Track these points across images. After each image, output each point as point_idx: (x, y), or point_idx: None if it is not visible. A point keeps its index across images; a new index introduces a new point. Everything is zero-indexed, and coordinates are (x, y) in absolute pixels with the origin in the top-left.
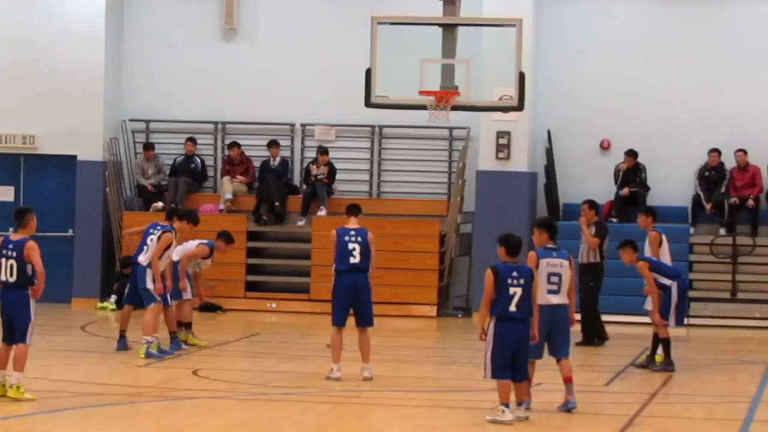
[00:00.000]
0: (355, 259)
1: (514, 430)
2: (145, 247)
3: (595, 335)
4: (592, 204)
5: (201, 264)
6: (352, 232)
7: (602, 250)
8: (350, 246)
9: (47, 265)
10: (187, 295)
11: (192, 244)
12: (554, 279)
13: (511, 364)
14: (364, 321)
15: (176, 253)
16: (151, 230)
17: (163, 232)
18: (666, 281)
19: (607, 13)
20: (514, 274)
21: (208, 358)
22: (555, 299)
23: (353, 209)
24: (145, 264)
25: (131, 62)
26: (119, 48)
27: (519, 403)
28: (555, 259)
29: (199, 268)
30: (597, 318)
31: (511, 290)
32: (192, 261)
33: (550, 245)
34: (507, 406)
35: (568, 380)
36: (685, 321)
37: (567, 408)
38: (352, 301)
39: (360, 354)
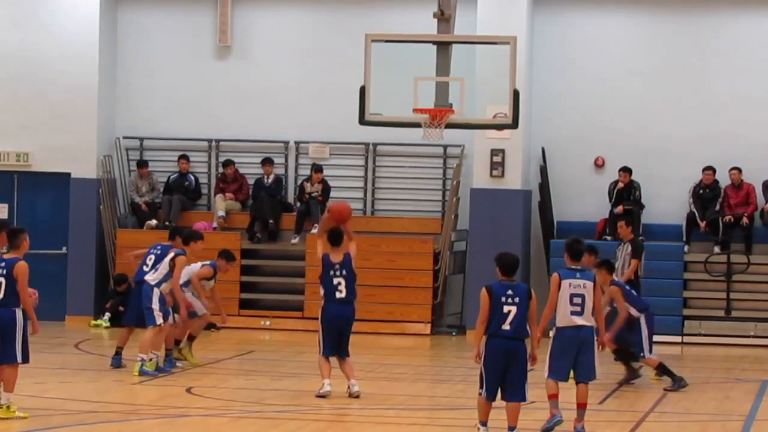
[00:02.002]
0: (341, 294)
1: None
2: (145, 267)
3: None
4: (628, 221)
5: (204, 285)
6: (337, 266)
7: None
8: (335, 281)
9: (41, 283)
10: (202, 310)
11: (195, 266)
12: (577, 300)
13: (501, 384)
14: (346, 351)
15: (183, 275)
16: (152, 250)
17: (177, 255)
18: (634, 312)
19: (601, 31)
20: (509, 292)
21: (202, 376)
22: (579, 320)
23: (336, 240)
24: (153, 283)
25: (125, 80)
26: (113, 65)
27: (510, 428)
28: (578, 280)
29: (203, 289)
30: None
31: (506, 308)
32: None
33: (574, 266)
34: (484, 424)
35: (581, 406)
36: (680, 339)
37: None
38: (338, 332)
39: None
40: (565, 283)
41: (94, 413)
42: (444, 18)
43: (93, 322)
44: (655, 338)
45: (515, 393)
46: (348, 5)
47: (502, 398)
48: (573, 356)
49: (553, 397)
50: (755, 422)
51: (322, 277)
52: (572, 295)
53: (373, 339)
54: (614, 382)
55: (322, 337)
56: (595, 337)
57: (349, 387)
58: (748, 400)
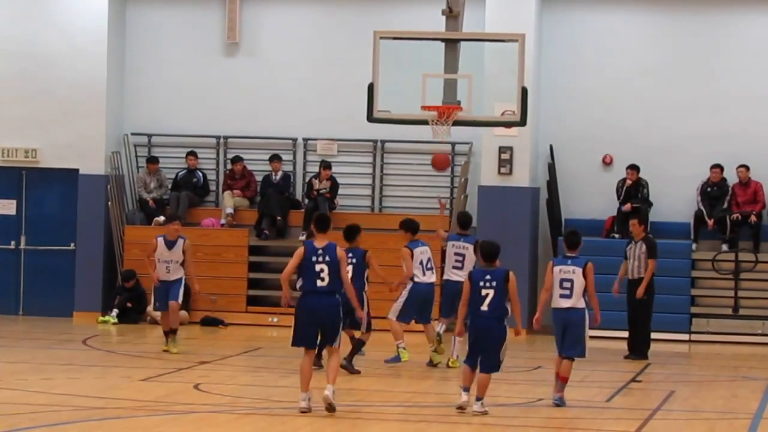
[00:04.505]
0: (322, 282)
1: None
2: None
3: (645, 349)
4: (641, 220)
5: (160, 258)
6: (320, 251)
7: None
8: (317, 267)
9: (49, 279)
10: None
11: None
12: (566, 284)
13: (479, 357)
14: (331, 341)
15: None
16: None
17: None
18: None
19: (609, 28)
20: (487, 277)
21: (209, 373)
22: (566, 303)
23: (322, 224)
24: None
25: (133, 76)
26: (121, 62)
27: (477, 398)
28: (568, 266)
29: (163, 264)
30: (647, 334)
31: (484, 292)
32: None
33: (569, 254)
34: (466, 390)
35: (561, 379)
36: (688, 337)
37: (555, 403)
38: (319, 326)
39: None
40: (557, 269)
41: (101, 409)
42: (452, 15)
43: (101, 318)
44: (664, 336)
45: (486, 366)
46: (356, 2)
47: (479, 370)
48: (561, 334)
49: (559, 378)
50: (763, 420)
51: (302, 264)
52: (562, 280)
53: (380, 336)
54: (621, 380)
55: (295, 329)
56: (587, 318)
57: (325, 389)
58: (755, 399)
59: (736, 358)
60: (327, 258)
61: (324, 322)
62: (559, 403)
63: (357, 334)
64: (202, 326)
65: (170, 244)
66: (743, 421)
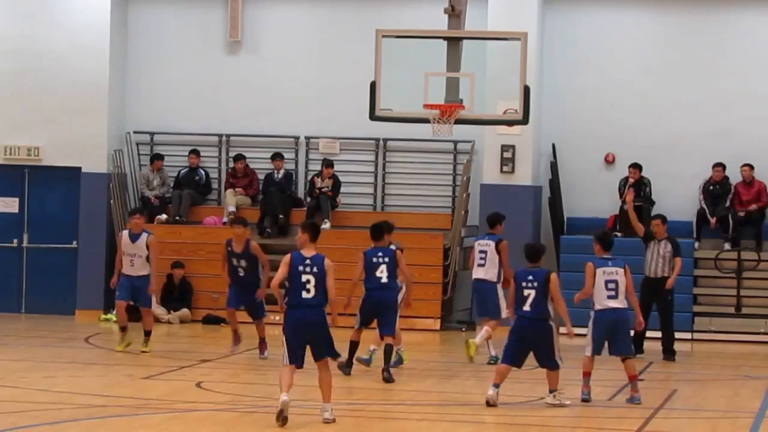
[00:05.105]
0: (308, 294)
1: None
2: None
3: (671, 349)
4: (664, 220)
5: (125, 251)
6: (308, 261)
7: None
8: (304, 278)
9: (51, 277)
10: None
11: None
12: (612, 285)
13: (522, 356)
14: (322, 353)
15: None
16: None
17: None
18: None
19: (612, 27)
20: (530, 277)
21: (211, 371)
22: (614, 303)
23: (313, 231)
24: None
25: (136, 74)
26: (124, 60)
27: (551, 390)
28: (610, 267)
29: (128, 257)
30: (672, 333)
31: (526, 292)
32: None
33: (605, 255)
34: (496, 386)
35: (632, 378)
36: (690, 336)
37: (632, 401)
38: (306, 338)
39: (320, 392)
40: (599, 271)
41: (103, 407)
42: (455, 14)
43: (103, 316)
44: None
45: (547, 363)
46: (358, 1)
47: (541, 366)
48: (606, 334)
49: (586, 375)
50: (765, 419)
51: (289, 274)
52: (607, 281)
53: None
54: (623, 379)
55: (286, 346)
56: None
57: (322, 410)
58: (758, 397)
59: (738, 356)
60: (314, 269)
61: (311, 335)
62: (637, 399)
63: (389, 340)
64: (204, 325)
65: (134, 238)
66: (745, 420)
